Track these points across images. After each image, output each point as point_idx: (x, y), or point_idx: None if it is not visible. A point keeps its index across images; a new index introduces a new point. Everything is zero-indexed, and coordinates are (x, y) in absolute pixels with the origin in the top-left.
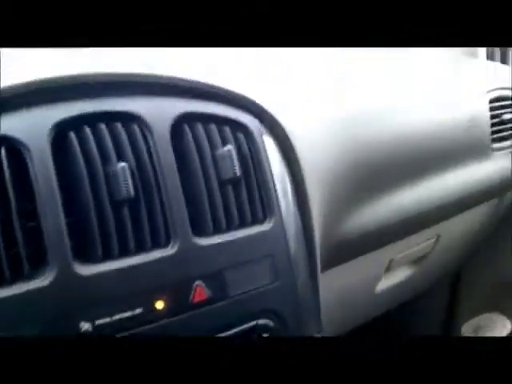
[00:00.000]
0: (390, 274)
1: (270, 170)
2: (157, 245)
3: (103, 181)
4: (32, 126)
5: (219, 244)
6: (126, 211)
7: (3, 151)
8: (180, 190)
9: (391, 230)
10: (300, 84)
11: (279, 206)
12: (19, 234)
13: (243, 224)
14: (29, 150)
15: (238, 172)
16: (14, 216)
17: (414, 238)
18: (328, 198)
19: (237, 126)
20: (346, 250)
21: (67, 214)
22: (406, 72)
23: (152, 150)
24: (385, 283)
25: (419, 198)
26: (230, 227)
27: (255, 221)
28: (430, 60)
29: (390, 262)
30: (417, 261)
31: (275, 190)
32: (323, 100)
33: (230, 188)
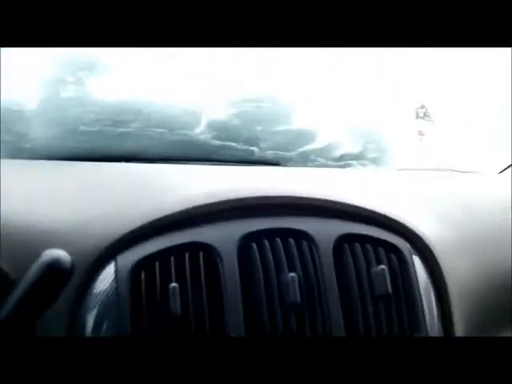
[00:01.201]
0: None
1: (418, 288)
2: None
3: (276, 286)
4: (224, 236)
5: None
6: (292, 315)
7: (201, 254)
8: (338, 300)
9: None
10: (439, 207)
11: (425, 322)
12: (206, 321)
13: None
14: (220, 255)
15: (390, 290)
16: (202, 305)
17: None
18: (470, 313)
19: (389, 247)
20: None
21: (245, 308)
22: None
23: (317, 263)
24: None
25: None
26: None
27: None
28: None
29: None
30: None
31: (422, 307)
32: (462, 220)
33: (381, 304)
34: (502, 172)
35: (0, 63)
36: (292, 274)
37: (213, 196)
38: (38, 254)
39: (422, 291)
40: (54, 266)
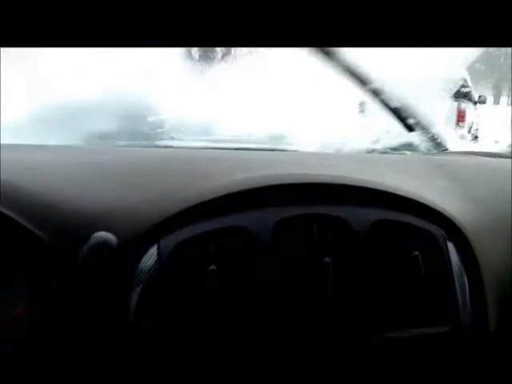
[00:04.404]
0: None
1: (452, 274)
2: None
3: (309, 270)
4: (261, 222)
5: (400, 337)
6: (322, 298)
7: (239, 238)
8: (372, 285)
9: None
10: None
11: (458, 308)
12: (242, 303)
13: (423, 322)
14: (257, 239)
15: (424, 276)
16: (239, 287)
17: None
18: (503, 298)
19: (424, 233)
20: None
21: (279, 291)
22: None
23: (352, 249)
24: None
25: None
26: (411, 324)
27: (434, 321)
28: None
29: None
30: None
31: (455, 293)
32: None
33: (415, 290)
34: None
35: (0, 63)
36: (327, 259)
37: (251, 182)
38: (88, 236)
39: (456, 277)
40: (102, 247)
